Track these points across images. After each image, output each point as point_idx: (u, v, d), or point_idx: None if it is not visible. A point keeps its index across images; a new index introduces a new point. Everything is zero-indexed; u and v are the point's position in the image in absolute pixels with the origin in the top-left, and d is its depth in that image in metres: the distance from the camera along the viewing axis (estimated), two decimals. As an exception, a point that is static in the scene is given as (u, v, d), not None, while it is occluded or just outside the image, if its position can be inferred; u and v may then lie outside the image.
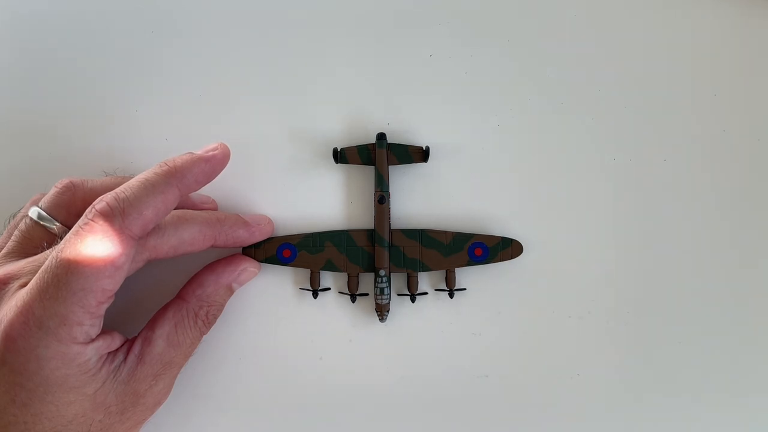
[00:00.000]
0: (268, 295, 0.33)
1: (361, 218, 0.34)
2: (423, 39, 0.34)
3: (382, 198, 0.32)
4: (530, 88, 0.34)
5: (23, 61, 0.35)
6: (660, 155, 0.33)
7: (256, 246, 0.32)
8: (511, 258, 0.32)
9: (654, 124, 0.34)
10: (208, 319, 0.31)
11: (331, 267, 0.33)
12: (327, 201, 0.34)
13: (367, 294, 0.33)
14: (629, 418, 0.33)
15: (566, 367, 0.33)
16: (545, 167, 0.33)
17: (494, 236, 0.32)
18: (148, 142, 0.34)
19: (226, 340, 0.33)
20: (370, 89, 0.34)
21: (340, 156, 0.33)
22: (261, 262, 0.32)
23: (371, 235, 0.33)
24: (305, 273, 0.33)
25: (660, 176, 0.33)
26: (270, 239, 0.33)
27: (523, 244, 0.32)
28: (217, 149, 0.29)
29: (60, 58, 0.35)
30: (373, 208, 0.33)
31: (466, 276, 0.33)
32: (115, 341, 0.28)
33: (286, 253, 0.32)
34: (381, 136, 0.33)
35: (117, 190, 0.26)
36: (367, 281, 0.33)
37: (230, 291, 0.32)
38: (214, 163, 0.28)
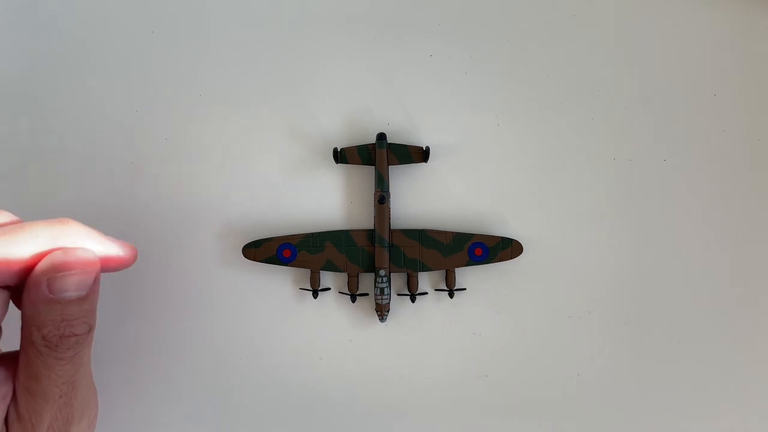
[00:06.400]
0: (268, 295, 0.33)
1: (361, 218, 0.34)
2: (423, 39, 0.34)
3: (382, 198, 0.32)
4: (530, 88, 0.34)
5: (22, 61, 0.35)
6: (660, 155, 0.33)
7: (256, 246, 0.32)
8: (511, 258, 0.32)
9: (654, 124, 0.34)
10: (50, 344, 0.25)
11: (331, 267, 0.33)
12: (327, 201, 0.34)
13: (367, 294, 0.33)
14: (629, 418, 0.33)
15: (566, 367, 0.33)
16: (545, 167, 0.33)
17: (494, 236, 0.32)
18: (148, 142, 0.34)
19: (226, 340, 0.33)
20: (370, 89, 0.34)
21: (340, 156, 0.33)
22: (261, 262, 0.32)
23: (371, 235, 0.33)
24: (305, 273, 0.33)
25: (660, 176, 0.33)
26: (270, 239, 0.33)
27: (523, 244, 0.32)
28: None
29: (59, 57, 0.35)
30: (373, 208, 0.33)
31: (466, 276, 0.33)
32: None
33: (286, 253, 0.32)
34: (381, 136, 0.33)
35: None
36: (367, 281, 0.33)
37: (61, 303, 0.25)
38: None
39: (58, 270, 0.24)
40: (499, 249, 0.32)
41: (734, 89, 0.34)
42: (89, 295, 0.25)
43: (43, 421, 0.25)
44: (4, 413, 0.25)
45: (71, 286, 0.25)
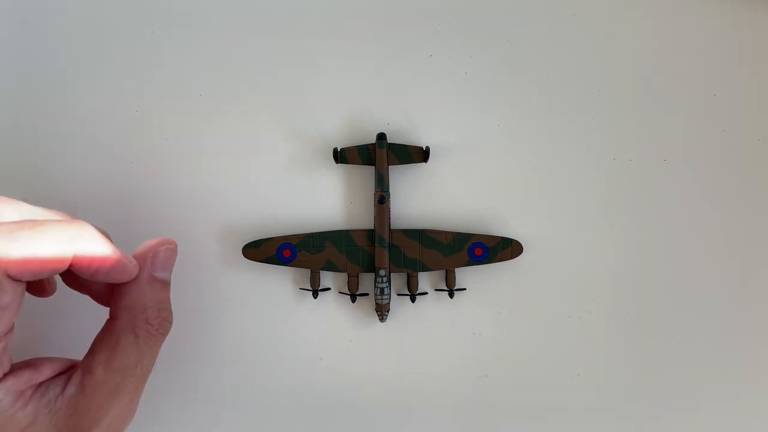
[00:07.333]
0: (268, 295, 0.33)
1: (361, 218, 0.34)
2: (423, 39, 0.34)
3: (382, 198, 0.32)
4: (530, 88, 0.34)
5: (22, 61, 0.35)
6: (660, 155, 0.33)
7: (256, 246, 0.32)
8: (511, 258, 0.32)
9: (654, 124, 0.34)
10: (152, 327, 0.27)
11: (331, 267, 0.33)
12: (327, 201, 0.34)
13: (367, 294, 0.33)
14: (629, 418, 0.33)
15: (566, 367, 0.33)
16: (545, 167, 0.33)
17: (494, 236, 0.32)
18: (148, 142, 0.34)
19: (226, 340, 0.33)
20: (370, 89, 0.34)
21: (340, 156, 0.33)
22: (261, 262, 0.32)
23: (371, 235, 0.33)
24: (305, 273, 0.33)
25: (660, 176, 0.33)
26: (270, 239, 0.33)
27: (523, 244, 0.32)
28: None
29: (59, 57, 0.35)
30: (373, 208, 0.33)
31: (466, 276, 0.33)
32: (39, 373, 0.25)
33: (286, 253, 0.32)
34: (381, 136, 0.33)
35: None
36: (367, 281, 0.33)
37: (159, 283, 0.27)
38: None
39: (161, 244, 0.28)
40: (499, 249, 0.32)
41: (734, 89, 0.34)
42: (169, 283, 0.28)
43: (105, 417, 0.25)
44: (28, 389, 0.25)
45: (170, 262, 0.28)
